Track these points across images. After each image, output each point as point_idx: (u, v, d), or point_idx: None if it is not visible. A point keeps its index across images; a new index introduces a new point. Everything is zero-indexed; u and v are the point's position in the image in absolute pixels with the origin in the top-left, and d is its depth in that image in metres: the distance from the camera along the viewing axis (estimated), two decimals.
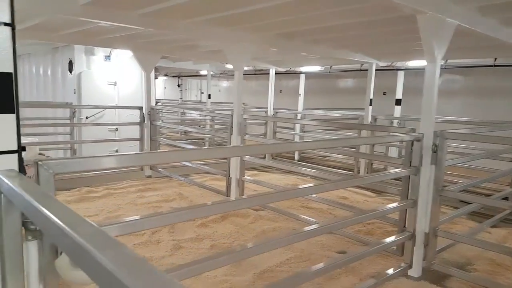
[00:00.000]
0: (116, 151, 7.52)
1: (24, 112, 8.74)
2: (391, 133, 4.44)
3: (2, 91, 1.29)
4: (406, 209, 3.21)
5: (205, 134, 9.35)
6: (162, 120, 8.17)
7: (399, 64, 7.44)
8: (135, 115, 7.46)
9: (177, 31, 4.26)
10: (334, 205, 4.57)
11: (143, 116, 6.69)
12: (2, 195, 1.23)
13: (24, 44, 7.07)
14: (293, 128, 8.73)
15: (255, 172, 7.12)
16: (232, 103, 11.85)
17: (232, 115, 5.03)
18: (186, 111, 9.72)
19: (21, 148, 1.36)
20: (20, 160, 1.36)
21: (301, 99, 8.74)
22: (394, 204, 3.11)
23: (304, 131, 8.50)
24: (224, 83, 14.27)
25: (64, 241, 0.92)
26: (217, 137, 8.98)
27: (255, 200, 2.33)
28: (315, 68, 8.34)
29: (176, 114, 11.10)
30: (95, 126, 7.10)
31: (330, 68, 8.45)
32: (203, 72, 11.33)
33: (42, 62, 8.17)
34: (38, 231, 1.33)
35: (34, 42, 6.81)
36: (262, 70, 9.76)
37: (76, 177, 6.06)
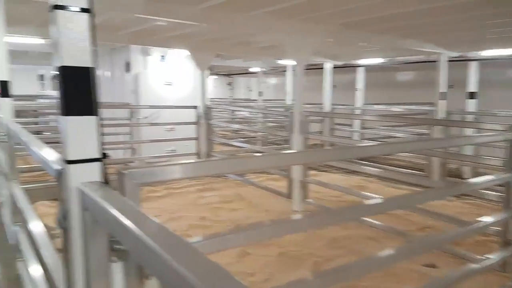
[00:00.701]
0: (173, 151, 7.52)
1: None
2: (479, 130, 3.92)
3: (82, 90, 1.11)
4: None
5: (262, 133, 9.11)
6: (216, 119, 8.08)
7: (470, 54, 6.76)
8: (190, 115, 7.44)
9: (237, 25, 4.07)
10: (411, 210, 4.16)
11: (199, 115, 6.62)
12: (88, 212, 1.06)
13: None
14: (351, 125, 8.28)
15: (313, 172, 6.80)
16: (283, 99, 11.66)
17: (291, 112, 4.75)
18: (238, 109, 9.60)
19: (103, 156, 1.19)
20: (103, 169, 1.19)
21: (359, 94, 8.27)
22: (502, 215, 2.67)
23: (364, 128, 8.02)
24: (273, 80, 14.03)
25: (155, 264, 0.76)
26: (271, 136, 8.77)
27: (362, 210, 1.99)
28: (375, 61, 7.83)
29: (226, 112, 11.05)
30: (152, 126, 7.13)
31: (391, 60, 7.89)
32: (253, 70, 11.15)
33: (101, 63, 8.39)
34: (123, 251, 1.15)
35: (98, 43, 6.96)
36: (312, 64, 9.39)
37: None
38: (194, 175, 1.42)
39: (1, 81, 3.01)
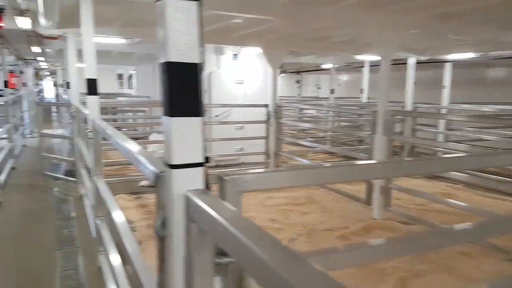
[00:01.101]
0: (241, 149, 7.51)
1: (156, 111, 9.45)
2: None
3: (189, 88, 0.99)
4: None
5: (335, 132, 8.74)
6: (285, 118, 7.90)
7: None
8: (259, 113, 7.35)
9: (322, 19, 3.84)
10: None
11: (269, 114, 6.50)
12: (193, 221, 0.93)
13: (156, 46, 7.49)
14: (435, 126, 7.61)
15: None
16: (355, 97, 11.15)
17: (374, 111, 4.41)
18: (309, 107, 9.32)
19: (206, 160, 1.05)
20: (205, 175, 1.06)
21: (446, 92, 7.56)
22: None
23: (450, 129, 7.31)
24: (344, 77, 13.50)
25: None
26: (343, 136, 8.39)
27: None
28: (465, 56, 7.07)
29: (293, 111, 10.84)
30: (223, 125, 7.17)
31: (483, 55, 7.08)
32: (325, 66, 10.79)
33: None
34: (223, 265, 1.02)
35: None
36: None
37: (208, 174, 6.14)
38: (303, 183, 1.24)
39: (89, 79, 3.11)
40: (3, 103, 6.84)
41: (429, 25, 4.23)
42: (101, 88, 7.98)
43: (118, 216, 2.41)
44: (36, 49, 7.02)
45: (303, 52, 8.17)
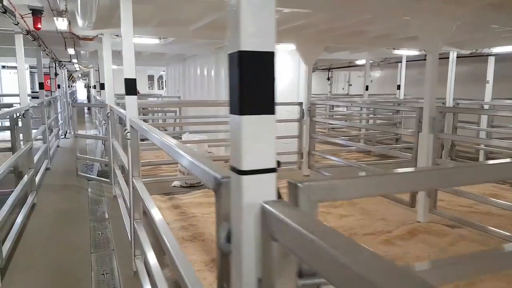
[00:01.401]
0: None
1: (185, 111, 9.45)
2: None
3: (263, 81, 0.84)
4: None
5: (373, 130, 8.41)
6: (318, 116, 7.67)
7: None
8: (290, 111, 7.17)
9: (364, 10, 3.62)
10: None
11: (303, 112, 6.31)
12: (274, 241, 0.78)
13: (194, 45, 7.45)
14: (476, 123, 7.18)
15: None
16: (390, 94, 10.76)
17: (419, 108, 4.14)
18: (345, 104, 9.05)
19: (277, 165, 0.90)
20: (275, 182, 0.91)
21: (489, 87, 7.12)
22: None
23: (493, 126, 6.88)
24: (376, 73, 13.08)
25: None
26: (378, 134, 8.08)
27: None
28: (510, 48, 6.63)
29: (323, 108, 10.60)
30: None
31: None
32: (359, 62, 10.46)
33: (206, 63, 8.61)
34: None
35: (203, 43, 7.09)
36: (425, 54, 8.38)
37: None
38: (391, 191, 1.07)
39: (128, 79, 3.03)
40: (38, 104, 6.98)
41: (481, 15, 3.92)
42: None
43: (158, 218, 2.31)
44: (71, 51, 7.12)
45: (336, 48, 7.91)
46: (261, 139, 0.84)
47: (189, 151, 1.29)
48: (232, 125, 0.87)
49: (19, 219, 4.23)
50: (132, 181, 3.05)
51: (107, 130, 5.45)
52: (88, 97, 26.40)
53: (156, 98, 13.50)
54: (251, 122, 0.83)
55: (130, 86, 3.01)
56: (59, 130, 10.31)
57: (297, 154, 6.46)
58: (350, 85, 13.33)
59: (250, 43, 0.81)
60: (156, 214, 2.39)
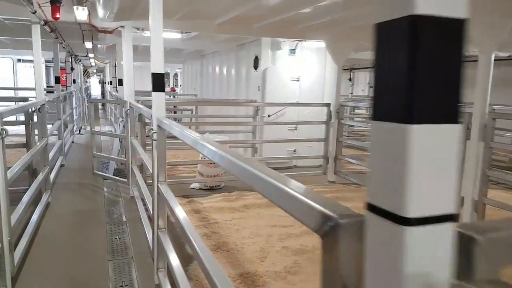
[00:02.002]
0: (294, 152, 7.03)
1: (203, 109, 9.16)
2: None
3: (449, 68, 0.51)
4: None
5: None
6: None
7: None
8: (315, 112, 6.84)
9: None
10: None
11: (330, 113, 5.96)
12: None
13: (215, 41, 7.15)
14: None
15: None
16: None
17: (468, 114, 3.78)
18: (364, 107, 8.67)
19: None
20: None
21: None
22: None
23: None
24: None
25: None
26: None
27: None
28: None
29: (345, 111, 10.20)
30: (276, 125, 6.71)
31: None
32: None
33: (226, 60, 8.31)
34: None
35: (224, 39, 6.79)
36: None
37: (234, 182, 5.74)
38: None
39: (156, 73, 2.74)
40: (54, 99, 6.75)
41: None
42: (145, 86, 7.82)
43: (190, 230, 2.03)
44: (88, 44, 6.89)
45: (363, 46, 7.53)
46: (441, 165, 0.51)
47: (274, 174, 0.97)
48: (380, 138, 0.55)
49: (33, 220, 3.98)
50: (158, 186, 2.75)
51: (126, 128, 5.19)
52: (103, 93, 26.35)
53: (169, 96, 13.28)
54: (427, 136, 0.50)
55: (158, 82, 2.72)
56: (74, 125, 10.12)
57: (323, 158, 6.11)
58: (371, 87, 12.79)
59: (431, 3, 0.48)
60: (188, 226, 2.11)
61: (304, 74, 6.87)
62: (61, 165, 6.78)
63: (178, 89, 14.73)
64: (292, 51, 6.72)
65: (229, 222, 4.38)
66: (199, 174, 5.52)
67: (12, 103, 6.23)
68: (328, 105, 5.92)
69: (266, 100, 6.62)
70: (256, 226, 4.25)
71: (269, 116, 6.69)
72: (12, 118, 4.78)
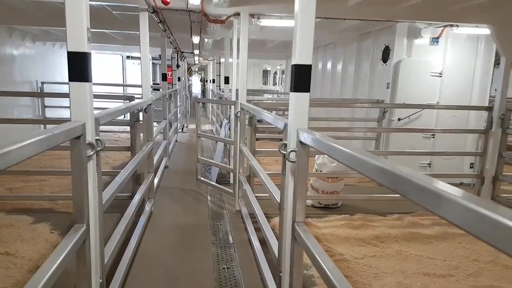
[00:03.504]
0: (429, 165, 5.68)
1: (318, 111, 8.20)
2: None
3: None
4: None
5: None
6: None
7: None
8: (460, 117, 5.41)
9: None
10: None
11: (491, 120, 4.51)
12: None
13: (334, 30, 6.14)
14: None
15: None
16: None
17: None
18: None
19: None
20: None
21: None
22: None
23: None
24: None
25: None
26: None
27: None
28: None
29: None
30: (406, 131, 5.45)
31: None
32: None
33: (343, 53, 7.21)
34: None
35: (346, 27, 5.74)
36: None
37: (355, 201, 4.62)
38: None
39: (301, 66, 1.87)
40: (161, 98, 6.45)
41: None
42: (249, 84, 7.10)
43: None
44: (195, 39, 6.47)
45: None
46: None
47: None
48: None
49: (135, 237, 3.49)
50: (295, 227, 1.88)
51: (235, 132, 4.49)
52: (203, 92, 27.15)
53: (271, 95, 12.61)
54: None
55: (303, 77, 1.84)
56: (178, 124, 10.04)
57: (477, 178, 4.69)
58: None
59: None
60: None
61: (449, 68, 5.47)
62: (165, 167, 6.47)
63: (278, 88, 14.04)
64: (435, 39, 5.37)
65: (361, 261, 3.35)
66: (313, 188, 4.59)
67: (120, 102, 6.06)
68: (489, 109, 4.49)
69: (397, 100, 5.40)
70: (401, 271, 3.16)
71: (399, 120, 5.46)
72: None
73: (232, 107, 4.91)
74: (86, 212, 1.72)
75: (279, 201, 2.22)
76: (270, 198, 3.77)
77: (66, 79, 1.78)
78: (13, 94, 6.85)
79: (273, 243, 2.60)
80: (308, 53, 1.82)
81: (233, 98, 5.06)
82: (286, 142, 1.99)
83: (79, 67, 1.76)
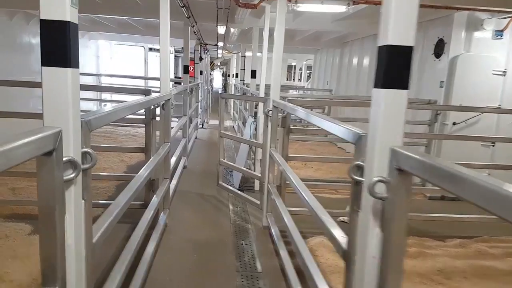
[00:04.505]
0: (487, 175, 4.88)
1: (343, 110, 7.48)
2: None
3: None
4: None
5: None
6: None
7: None
8: None
9: None
10: None
11: None
12: None
13: (375, 21, 5.39)
14: None
15: None
16: None
17: None
18: None
19: None
20: None
21: None
22: None
23: None
24: None
25: None
26: None
27: None
28: None
29: None
30: (462, 139, 4.69)
31: None
32: None
33: (374, 48, 6.43)
34: None
35: None
36: None
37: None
38: None
39: (398, 47, 1.20)
40: (181, 92, 5.86)
41: None
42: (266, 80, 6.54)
43: None
44: (221, 29, 5.86)
45: None
46: None
47: None
48: None
49: (147, 255, 2.91)
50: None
51: (264, 133, 3.84)
52: (225, 86, 26.60)
53: (296, 91, 11.90)
54: None
55: (399, 66, 1.18)
56: (198, 120, 9.46)
57: None
58: None
59: None
60: None
61: None
62: (184, 167, 5.91)
63: (306, 84, 13.30)
64: (499, 32, 4.57)
65: None
66: None
67: (135, 97, 5.50)
68: None
69: (452, 102, 4.64)
70: None
71: (454, 124, 4.70)
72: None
73: (260, 104, 4.27)
74: (59, 271, 1.11)
75: (344, 248, 1.57)
76: (306, 214, 3.11)
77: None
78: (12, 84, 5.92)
79: (317, 277, 1.96)
80: (410, 26, 1.16)
81: (261, 94, 4.42)
82: (362, 163, 1.33)
83: (56, 44, 1.14)
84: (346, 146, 7.33)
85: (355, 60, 7.78)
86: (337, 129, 1.64)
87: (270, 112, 3.61)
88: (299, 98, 5.37)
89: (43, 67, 1.16)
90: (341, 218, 4.00)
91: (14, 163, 0.92)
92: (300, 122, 7.39)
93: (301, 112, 2.40)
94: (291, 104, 2.91)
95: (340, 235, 1.74)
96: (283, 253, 3.10)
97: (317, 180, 4.22)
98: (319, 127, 2.15)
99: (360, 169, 1.37)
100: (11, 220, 3.67)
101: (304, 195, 2.39)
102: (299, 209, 3.42)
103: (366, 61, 7.26)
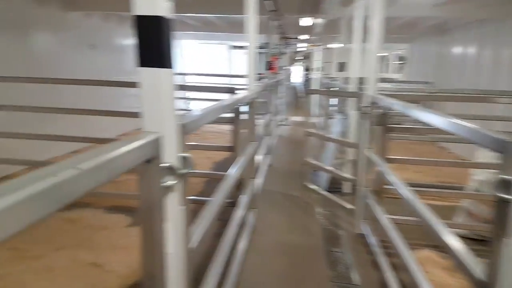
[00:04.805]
0: None
1: (446, 106, 6.72)
2: None
3: None
4: None
5: None
6: None
7: None
8: None
9: None
10: None
11: None
12: None
13: (484, 4, 4.70)
14: None
15: None
16: None
17: None
18: None
19: None
20: None
21: None
22: None
23: None
24: None
25: None
26: None
27: None
28: None
29: None
30: None
31: None
32: None
33: (493, 33, 5.60)
34: None
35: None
36: None
37: None
38: None
39: None
40: (266, 89, 5.75)
41: None
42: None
43: None
44: (305, 21, 5.61)
45: None
46: None
47: None
48: None
49: (239, 255, 2.85)
50: None
51: (360, 132, 3.53)
52: (306, 81, 26.12)
53: (390, 84, 11.10)
54: None
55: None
56: (280, 116, 9.34)
57: None
58: None
59: None
60: None
61: None
62: (269, 165, 5.81)
63: (397, 75, 12.36)
64: None
65: None
66: (469, 214, 3.39)
67: (218, 95, 5.52)
68: None
69: None
70: None
71: None
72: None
73: (350, 100, 3.95)
74: (158, 280, 1.01)
75: (481, 278, 1.26)
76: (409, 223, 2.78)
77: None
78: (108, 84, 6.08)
79: None
80: None
81: (351, 89, 4.09)
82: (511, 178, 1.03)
83: (151, 42, 1.04)
84: (448, 145, 6.61)
85: (460, 48, 6.94)
86: (478, 135, 1.31)
87: (367, 108, 3.29)
88: (397, 93, 4.87)
89: (140, 68, 1.06)
90: (461, 231, 3.52)
91: (118, 173, 0.83)
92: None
93: (415, 112, 2.06)
94: (399, 102, 2.56)
95: (472, 260, 1.42)
96: (385, 266, 2.79)
97: (423, 185, 3.76)
98: (424, 125, 1.83)
99: (507, 185, 1.07)
100: (112, 211, 3.90)
101: (413, 202, 2.08)
102: (401, 217, 3.06)
103: (472, 49, 6.42)
